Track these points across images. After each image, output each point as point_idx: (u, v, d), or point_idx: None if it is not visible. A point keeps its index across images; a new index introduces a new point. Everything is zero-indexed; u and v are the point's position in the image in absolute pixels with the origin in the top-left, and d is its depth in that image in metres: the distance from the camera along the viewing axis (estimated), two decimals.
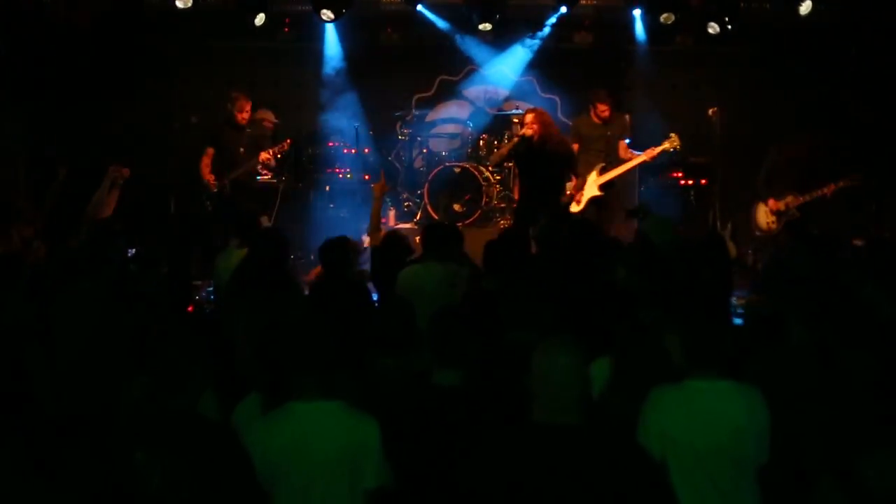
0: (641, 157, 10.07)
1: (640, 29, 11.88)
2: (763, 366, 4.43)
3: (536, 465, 3.16)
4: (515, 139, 9.54)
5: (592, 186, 10.03)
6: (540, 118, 9.44)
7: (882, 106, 11.34)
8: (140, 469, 3.09)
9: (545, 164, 9.48)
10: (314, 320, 3.95)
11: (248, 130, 9.84)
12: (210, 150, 9.82)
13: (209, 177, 9.70)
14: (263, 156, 9.74)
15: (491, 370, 4.34)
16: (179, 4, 10.50)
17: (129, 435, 3.26)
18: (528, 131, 9.40)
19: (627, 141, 10.62)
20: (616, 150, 10.18)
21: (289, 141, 10.10)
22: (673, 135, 10.03)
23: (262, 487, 3.46)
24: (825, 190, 9.44)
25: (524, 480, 3.18)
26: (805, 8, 10.61)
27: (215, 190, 9.66)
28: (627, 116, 11.81)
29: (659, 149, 10.06)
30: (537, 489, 3.18)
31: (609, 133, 10.14)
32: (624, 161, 10.12)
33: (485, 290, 5.76)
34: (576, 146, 10.10)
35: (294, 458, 3.48)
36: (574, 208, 10.00)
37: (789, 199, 9.64)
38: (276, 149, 9.87)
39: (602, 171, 10.01)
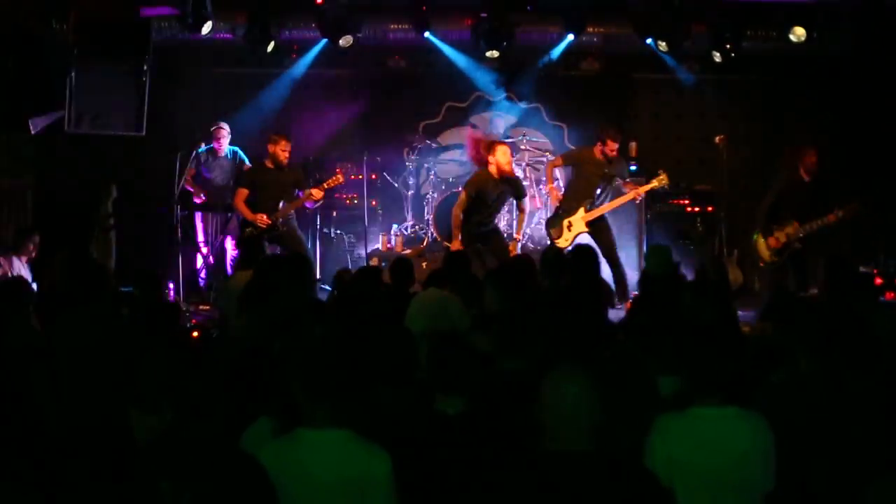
0: (629, 196, 10.09)
1: (667, 58, 11.83)
2: (770, 393, 4.42)
3: (549, 493, 3.12)
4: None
5: (580, 223, 10.07)
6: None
7: (888, 133, 11.34)
8: (166, 499, 3.07)
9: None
10: (329, 346, 3.90)
11: (287, 170, 10.05)
12: (244, 192, 10.01)
13: (258, 216, 9.84)
14: (318, 193, 9.93)
15: (488, 398, 4.32)
16: (204, 31, 10.64)
17: (153, 463, 3.24)
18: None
19: (633, 168, 10.66)
20: (609, 188, 10.20)
21: (341, 176, 10.37)
22: (661, 172, 10.09)
23: None
24: (826, 220, 9.34)
25: None
26: (796, 36, 10.63)
27: (265, 228, 9.78)
28: (633, 145, 11.88)
29: (647, 187, 10.12)
30: None
31: (606, 171, 10.16)
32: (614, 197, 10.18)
33: (488, 315, 5.78)
34: (559, 161, 10.39)
35: (295, 486, 3.41)
36: (562, 244, 10.04)
37: (789, 229, 9.52)
38: (330, 182, 10.14)
39: (590, 208, 10.06)
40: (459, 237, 9.70)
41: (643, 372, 4.47)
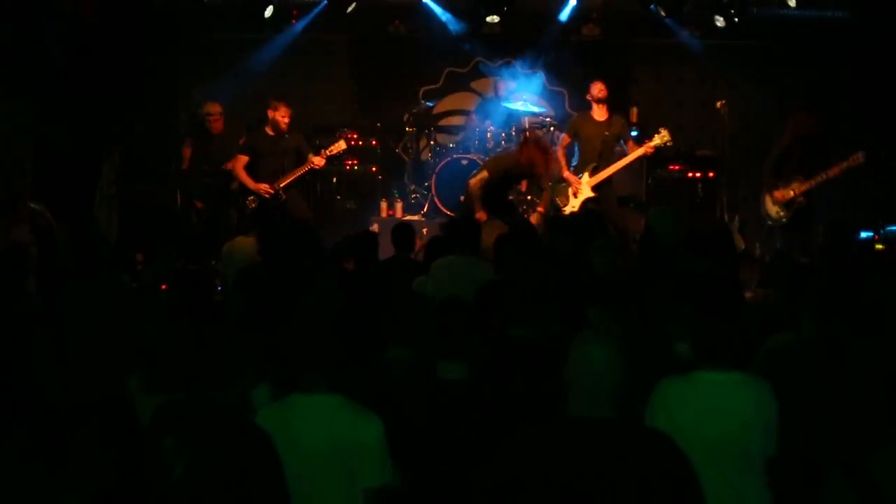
0: (632, 156, 10.06)
1: (669, 23, 11.79)
2: (772, 359, 4.42)
3: (570, 460, 3.11)
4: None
5: (585, 187, 10.03)
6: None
7: (890, 97, 11.28)
8: (166, 456, 3.08)
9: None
10: (324, 315, 3.91)
11: (287, 136, 9.92)
12: (245, 159, 9.86)
13: (261, 185, 9.74)
14: (319, 161, 9.86)
15: (492, 365, 4.32)
16: None
17: (159, 421, 3.25)
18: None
19: (634, 134, 10.62)
20: (611, 150, 10.16)
21: (343, 143, 10.27)
22: (663, 129, 10.04)
23: (287, 492, 3.35)
24: (830, 172, 9.29)
25: (556, 475, 3.11)
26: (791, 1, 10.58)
27: (268, 197, 9.71)
28: (634, 110, 11.84)
29: (653, 143, 10.05)
30: (570, 483, 3.09)
31: (607, 133, 10.09)
32: (616, 160, 10.14)
33: (494, 283, 5.77)
34: (566, 138, 10.33)
35: (287, 451, 3.42)
36: (568, 210, 10.01)
37: (795, 185, 9.45)
38: (332, 149, 10.07)
39: (594, 172, 10.01)
40: (481, 207, 9.58)
41: (662, 337, 4.47)
